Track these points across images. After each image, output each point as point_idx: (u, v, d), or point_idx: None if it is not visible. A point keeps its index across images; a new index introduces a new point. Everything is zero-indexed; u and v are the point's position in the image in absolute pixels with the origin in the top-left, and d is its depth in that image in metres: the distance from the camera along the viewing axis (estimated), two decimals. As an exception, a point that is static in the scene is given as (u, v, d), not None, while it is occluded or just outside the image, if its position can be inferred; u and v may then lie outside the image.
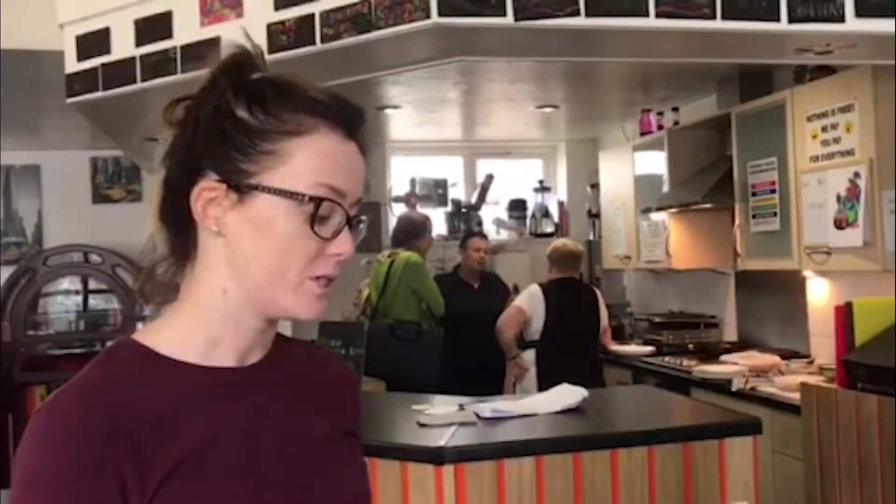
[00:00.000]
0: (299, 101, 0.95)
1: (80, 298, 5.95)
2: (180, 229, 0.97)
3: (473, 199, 6.35)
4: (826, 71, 3.63)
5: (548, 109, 5.17)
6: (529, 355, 4.61)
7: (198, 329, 0.97)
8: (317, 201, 0.92)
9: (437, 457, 2.44)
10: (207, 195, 0.94)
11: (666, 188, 4.84)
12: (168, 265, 0.99)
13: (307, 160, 0.93)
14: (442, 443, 2.51)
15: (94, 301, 5.98)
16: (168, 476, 0.89)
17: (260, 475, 0.95)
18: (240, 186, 0.93)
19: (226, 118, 0.93)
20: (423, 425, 2.76)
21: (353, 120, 0.98)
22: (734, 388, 3.84)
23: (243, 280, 0.95)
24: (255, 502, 0.94)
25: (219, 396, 0.96)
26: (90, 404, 0.89)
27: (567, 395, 2.97)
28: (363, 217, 1.00)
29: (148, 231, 0.99)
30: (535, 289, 4.68)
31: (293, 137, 0.93)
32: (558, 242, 4.93)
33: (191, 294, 0.98)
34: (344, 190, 0.95)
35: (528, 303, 4.62)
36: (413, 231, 5.02)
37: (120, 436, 0.88)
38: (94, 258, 5.85)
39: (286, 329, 1.11)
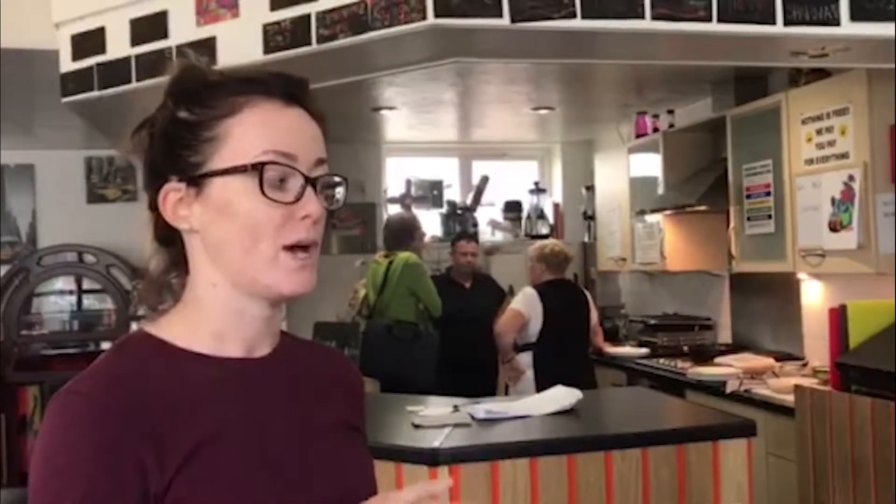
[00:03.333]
0: (231, 84, 0.98)
1: (73, 298, 5.94)
2: (170, 242, 1.02)
3: (469, 201, 6.35)
4: (821, 74, 3.64)
5: (543, 111, 5.17)
6: (525, 357, 4.60)
7: (201, 326, 0.99)
8: (260, 166, 0.94)
9: (431, 458, 2.45)
10: (173, 197, 0.98)
11: (661, 190, 4.84)
12: (172, 276, 1.03)
13: (244, 133, 0.96)
14: (436, 444, 2.52)
15: (87, 301, 5.96)
16: (186, 459, 0.90)
17: (271, 461, 0.96)
18: (194, 179, 0.96)
19: (171, 124, 0.98)
20: (417, 426, 2.76)
21: (291, 87, 1.00)
22: (728, 391, 3.84)
23: (223, 268, 0.97)
24: (267, 487, 0.95)
25: (231, 385, 0.97)
26: (108, 387, 0.91)
27: (561, 396, 2.97)
28: (337, 178, 1.01)
29: (148, 254, 1.04)
30: (530, 291, 4.66)
31: (227, 118, 0.96)
32: (550, 244, 4.89)
33: (189, 295, 1.01)
34: (293, 152, 0.96)
35: (526, 305, 4.60)
36: (407, 232, 5.01)
37: (137, 418, 0.89)
38: (89, 258, 5.83)
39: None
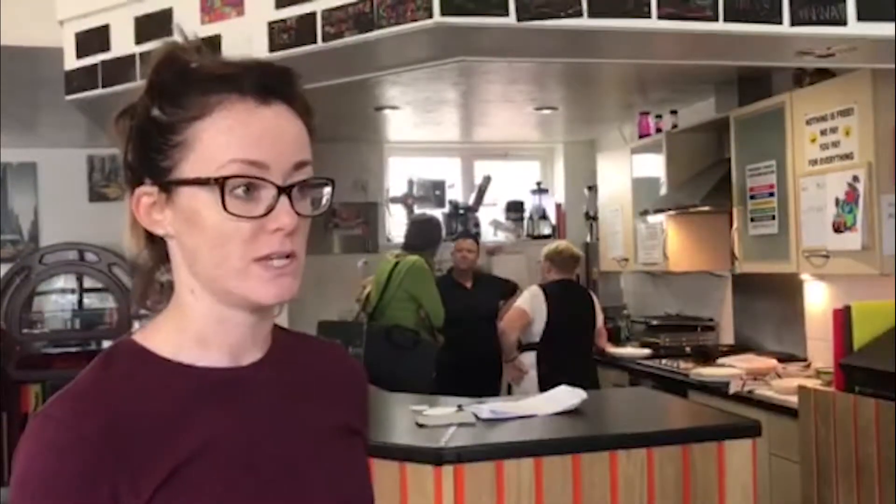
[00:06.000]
0: (202, 82, 0.92)
1: (75, 297, 5.94)
2: (151, 240, 0.98)
3: (471, 201, 6.35)
4: (825, 74, 3.63)
5: (546, 111, 5.17)
6: (528, 357, 4.58)
7: (185, 330, 0.96)
8: (221, 181, 0.88)
9: (436, 457, 2.44)
10: (146, 200, 0.94)
11: (664, 191, 4.84)
12: (162, 274, 1.00)
13: (212, 140, 0.90)
14: (441, 443, 2.51)
15: (89, 300, 5.96)
16: (164, 482, 0.88)
17: (258, 476, 0.94)
18: (164, 185, 0.92)
19: (145, 122, 0.93)
20: (421, 426, 2.76)
21: (266, 83, 0.92)
22: (731, 391, 3.84)
23: (199, 276, 0.94)
24: (254, 501, 0.93)
25: (216, 399, 0.94)
26: (85, 412, 0.88)
27: (566, 396, 2.97)
28: (321, 180, 0.95)
29: (129, 251, 0.99)
30: (535, 290, 4.65)
31: (196, 122, 0.90)
32: (560, 245, 4.90)
33: (174, 298, 0.98)
34: (264, 160, 0.89)
35: (531, 304, 4.59)
36: (425, 235, 4.97)
37: (112, 444, 0.87)
38: (90, 256, 5.83)
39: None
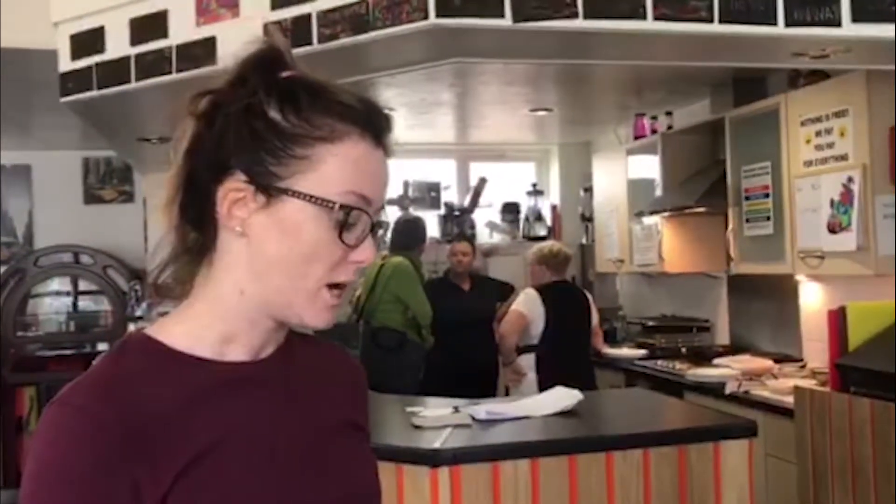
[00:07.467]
0: (332, 105, 0.94)
1: (70, 299, 5.92)
2: (200, 227, 0.96)
3: (466, 202, 6.35)
4: (820, 76, 3.64)
5: (541, 112, 5.17)
6: (526, 360, 4.57)
7: (212, 327, 0.96)
8: (347, 209, 0.92)
9: (432, 459, 2.44)
10: (234, 195, 0.93)
11: (659, 192, 4.84)
12: (184, 262, 0.99)
13: (338, 167, 0.93)
14: (437, 445, 2.51)
15: (84, 302, 5.95)
16: (183, 471, 0.88)
17: (275, 468, 0.95)
18: (269, 189, 0.92)
19: (257, 119, 0.93)
20: (417, 427, 2.75)
21: (382, 126, 0.98)
22: (727, 392, 3.84)
23: (262, 282, 0.94)
24: (271, 495, 0.94)
25: (232, 391, 0.95)
26: (103, 398, 0.88)
27: (562, 397, 2.97)
28: (384, 221, 1.01)
29: (163, 227, 0.98)
30: (531, 292, 4.64)
31: (325, 143, 0.93)
32: (549, 245, 4.87)
33: (206, 293, 0.97)
34: (371, 197, 0.95)
35: (528, 306, 4.58)
36: (410, 235, 4.99)
37: (132, 431, 0.87)
38: (85, 259, 5.82)
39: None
